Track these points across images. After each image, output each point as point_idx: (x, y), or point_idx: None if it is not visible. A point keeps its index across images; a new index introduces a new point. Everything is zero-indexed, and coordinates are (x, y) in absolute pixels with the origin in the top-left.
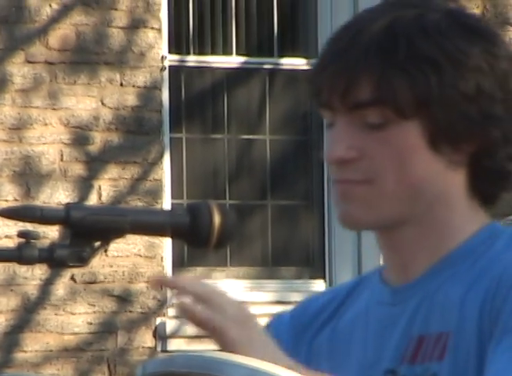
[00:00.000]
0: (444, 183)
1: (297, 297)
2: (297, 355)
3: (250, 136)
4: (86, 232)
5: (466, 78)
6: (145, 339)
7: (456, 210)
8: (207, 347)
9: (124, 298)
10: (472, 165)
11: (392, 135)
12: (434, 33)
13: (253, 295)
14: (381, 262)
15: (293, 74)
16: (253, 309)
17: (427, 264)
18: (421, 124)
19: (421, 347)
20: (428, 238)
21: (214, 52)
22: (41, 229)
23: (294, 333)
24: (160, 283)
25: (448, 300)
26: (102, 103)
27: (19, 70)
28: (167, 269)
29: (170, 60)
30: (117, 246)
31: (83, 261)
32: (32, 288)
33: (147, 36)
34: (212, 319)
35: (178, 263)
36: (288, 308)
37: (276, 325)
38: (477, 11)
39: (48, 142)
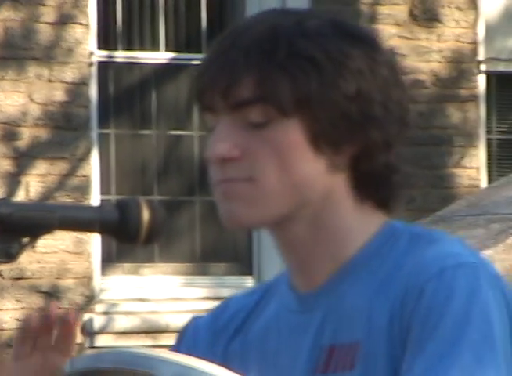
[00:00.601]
0: (327, 185)
1: (226, 293)
2: (213, 358)
3: (179, 132)
4: (14, 228)
5: (346, 79)
6: None
7: (345, 213)
8: (136, 343)
9: (51, 294)
10: (353, 168)
11: (274, 133)
12: (315, 35)
13: (182, 291)
14: None
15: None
16: (184, 305)
17: (328, 270)
18: (302, 122)
19: (332, 357)
20: (323, 243)
21: (142, 48)
22: None
23: (211, 336)
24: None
25: (355, 308)
26: (31, 99)
27: None
28: (95, 265)
29: (98, 56)
30: (45, 242)
31: (11, 257)
32: None
33: (75, 31)
34: None
35: (107, 259)
36: (213, 305)
37: (194, 328)
38: (405, 7)
39: None
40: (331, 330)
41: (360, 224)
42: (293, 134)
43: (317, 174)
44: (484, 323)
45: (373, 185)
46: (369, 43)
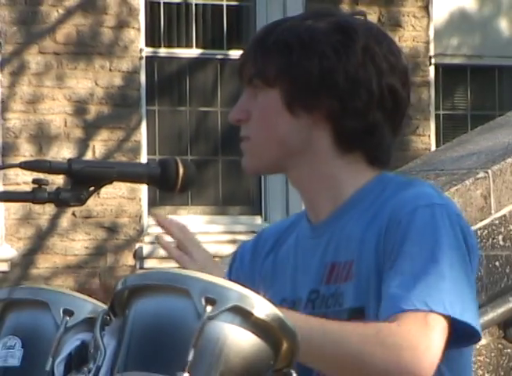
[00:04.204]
0: (306, 139)
1: (240, 228)
2: (254, 276)
3: (206, 109)
4: (83, 179)
5: (310, 58)
6: (127, 260)
7: (332, 162)
8: (174, 265)
9: (112, 229)
10: (332, 128)
11: (261, 100)
12: (301, 28)
13: (208, 227)
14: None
15: (238, 62)
16: (209, 238)
17: (330, 208)
18: (280, 92)
19: (333, 271)
20: (322, 186)
21: (179, 46)
22: (50, 177)
23: (252, 256)
24: (159, 222)
25: (351, 235)
26: (96, 84)
27: (33, 59)
28: (144, 208)
29: (146, 52)
30: (107, 190)
31: (81, 201)
32: (44, 221)
33: (129, 33)
34: (180, 258)
35: (152, 203)
36: (233, 238)
37: (241, 252)
38: (374, 16)
39: (55, 112)
40: (332, 251)
41: (350, 173)
42: (273, 101)
43: (294, 131)
44: (445, 249)
45: (350, 142)
46: (347, 33)
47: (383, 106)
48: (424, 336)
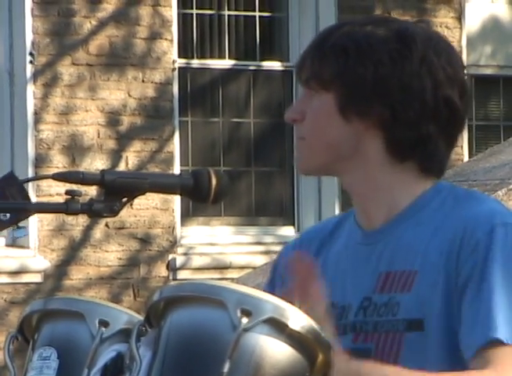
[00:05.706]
0: (356, 146)
1: (272, 239)
2: None
3: (239, 119)
4: (116, 190)
5: (365, 65)
6: (160, 271)
7: (384, 170)
8: (207, 276)
9: (145, 240)
10: (384, 137)
11: (316, 103)
12: (359, 34)
13: (241, 238)
14: (336, 213)
15: (271, 73)
16: (242, 248)
17: (384, 215)
18: (335, 96)
19: (387, 280)
20: (375, 193)
21: (212, 57)
22: (83, 188)
23: None
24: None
25: (411, 245)
26: (129, 95)
27: (66, 70)
28: (177, 219)
29: (179, 63)
30: (140, 201)
31: (114, 212)
32: (77, 232)
33: (162, 45)
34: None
35: (185, 214)
36: (265, 248)
37: (285, 253)
38: None
39: (88, 123)
40: (387, 260)
41: (404, 182)
42: (327, 104)
43: (345, 136)
44: None
45: (402, 151)
46: (406, 42)
47: (438, 118)
48: None
